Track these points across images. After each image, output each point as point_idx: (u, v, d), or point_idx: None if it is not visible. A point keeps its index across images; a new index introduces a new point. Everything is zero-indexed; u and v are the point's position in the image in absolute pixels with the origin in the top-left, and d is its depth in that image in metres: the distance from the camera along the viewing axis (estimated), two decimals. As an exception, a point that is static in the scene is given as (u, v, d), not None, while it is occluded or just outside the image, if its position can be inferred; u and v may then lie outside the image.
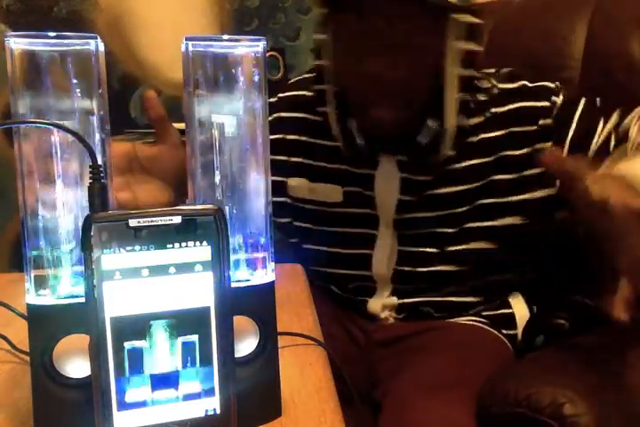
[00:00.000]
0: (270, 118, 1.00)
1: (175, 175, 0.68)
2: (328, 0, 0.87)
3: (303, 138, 1.02)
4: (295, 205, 1.03)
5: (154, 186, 0.69)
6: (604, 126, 0.90)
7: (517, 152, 0.92)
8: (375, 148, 0.95)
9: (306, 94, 1.03)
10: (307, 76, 1.06)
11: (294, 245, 1.07)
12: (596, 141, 0.90)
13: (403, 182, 0.96)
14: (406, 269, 0.98)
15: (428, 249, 0.97)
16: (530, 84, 0.95)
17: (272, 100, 1.03)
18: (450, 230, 0.95)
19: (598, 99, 0.94)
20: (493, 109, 0.94)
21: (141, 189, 0.68)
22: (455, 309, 1.01)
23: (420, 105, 0.89)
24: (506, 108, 0.94)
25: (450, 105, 0.88)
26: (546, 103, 0.93)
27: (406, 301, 1.01)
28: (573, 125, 0.91)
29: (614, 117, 0.90)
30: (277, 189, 1.02)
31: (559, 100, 0.93)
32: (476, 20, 0.86)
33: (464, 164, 0.94)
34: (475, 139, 0.94)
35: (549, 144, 0.91)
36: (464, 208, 0.95)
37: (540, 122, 0.92)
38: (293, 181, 1.02)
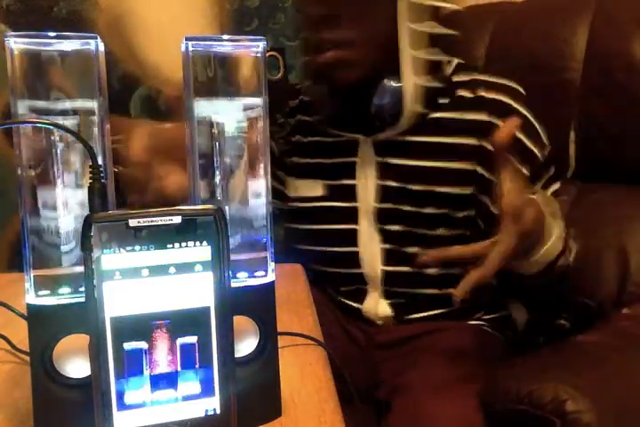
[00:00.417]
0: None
1: None
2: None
3: (291, 138, 1.04)
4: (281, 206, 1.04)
5: (179, 169, 0.70)
6: None
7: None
8: (345, 115, 0.95)
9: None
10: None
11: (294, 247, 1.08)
12: None
13: (380, 167, 0.96)
14: (394, 269, 0.98)
15: (413, 248, 0.96)
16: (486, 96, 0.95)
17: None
18: (433, 229, 0.95)
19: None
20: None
21: (171, 174, 0.69)
22: (455, 315, 1.01)
23: (368, 56, 0.89)
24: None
25: (406, 61, 0.88)
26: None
27: (398, 307, 1.00)
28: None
29: None
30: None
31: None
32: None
33: (433, 139, 0.94)
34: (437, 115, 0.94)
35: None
36: (446, 189, 0.94)
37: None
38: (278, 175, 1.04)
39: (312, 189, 1.00)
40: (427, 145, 0.95)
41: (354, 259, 0.99)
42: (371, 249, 0.98)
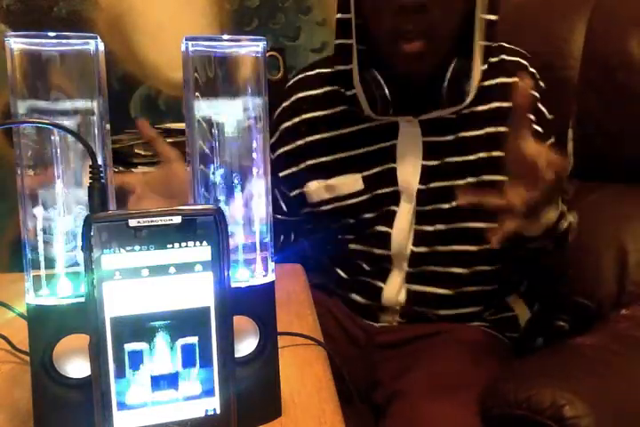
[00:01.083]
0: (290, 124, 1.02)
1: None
2: None
3: (316, 137, 1.01)
4: (315, 211, 1.02)
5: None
6: None
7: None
8: (399, 99, 0.93)
9: (311, 94, 1.02)
10: (306, 74, 1.06)
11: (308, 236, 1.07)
12: None
13: (426, 147, 0.95)
14: (422, 249, 0.97)
15: (442, 226, 0.96)
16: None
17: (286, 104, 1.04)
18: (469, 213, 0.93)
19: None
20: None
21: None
22: (460, 316, 1.01)
23: (446, 46, 0.90)
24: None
25: (478, 50, 0.90)
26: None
27: (416, 288, 0.99)
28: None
29: None
30: (300, 201, 1.03)
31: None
32: None
33: (483, 129, 0.94)
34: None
35: None
36: (485, 174, 0.94)
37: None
38: (310, 187, 1.01)
39: (351, 184, 0.99)
40: (476, 116, 0.95)
41: (385, 239, 0.98)
42: (403, 228, 0.97)
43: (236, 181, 0.50)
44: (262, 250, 0.51)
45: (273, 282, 0.51)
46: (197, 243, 0.44)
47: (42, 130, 0.45)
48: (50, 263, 0.45)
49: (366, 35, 0.92)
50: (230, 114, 0.50)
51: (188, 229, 0.43)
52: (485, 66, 0.93)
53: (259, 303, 0.50)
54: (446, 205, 0.95)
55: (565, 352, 0.85)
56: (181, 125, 1.87)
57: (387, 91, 0.91)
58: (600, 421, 0.69)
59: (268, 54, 0.50)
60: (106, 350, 0.42)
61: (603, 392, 0.74)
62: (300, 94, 1.03)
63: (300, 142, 1.01)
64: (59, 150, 0.46)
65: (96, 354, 0.42)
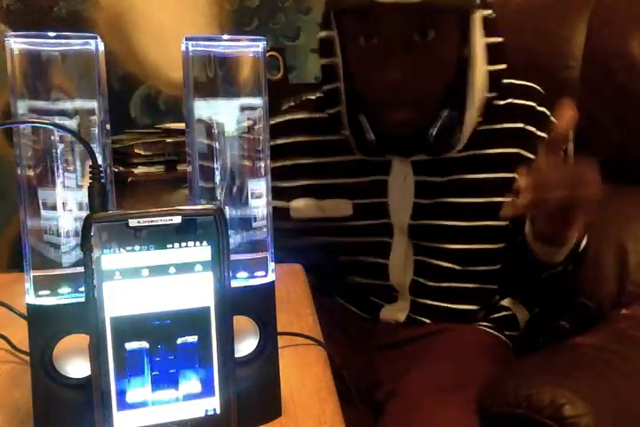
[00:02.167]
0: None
1: None
2: (339, 22, 0.89)
3: (306, 160, 1.01)
4: (301, 227, 1.02)
5: None
6: None
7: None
8: (386, 144, 0.94)
9: (304, 117, 1.03)
10: (301, 100, 1.06)
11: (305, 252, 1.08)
12: None
13: (417, 186, 0.96)
14: (422, 280, 0.99)
15: (444, 263, 0.97)
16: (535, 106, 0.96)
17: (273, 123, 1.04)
18: (465, 242, 0.95)
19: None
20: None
21: None
22: (460, 317, 1.01)
23: (436, 105, 0.90)
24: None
25: (473, 102, 0.89)
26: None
27: (418, 308, 1.00)
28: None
29: None
30: (281, 214, 1.03)
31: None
32: (493, 13, 0.88)
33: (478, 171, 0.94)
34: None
35: None
36: (479, 209, 0.94)
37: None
38: (299, 203, 1.01)
39: (341, 208, 0.99)
40: (469, 161, 0.95)
41: (383, 270, 1.00)
42: (400, 259, 0.99)
43: (236, 181, 0.50)
44: (262, 250, 0.51)
45: (273, 282, 0.51)
46: (197, 243, 0.44)
47: (42, 130, 0.45)
48: (50, 263, 0.45)
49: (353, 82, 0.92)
50: (230, 114, 0.50)
51: (188, 229, 0.43)
52: (484, 111, 0.92)
53: (259, 303, 0.50)
54: (440, 244, 0.96)
55: (565, 352, 0.85)
56: (181, 125, 1.88)
57: (373, 136, 0.91)
58: (600, 420, 0.69)
59: (268, 54, 0.50)
60: (106, 350, 0.42)
61: (602, 391, 0.74)
62: (289, 117, 1.03)
63: (289, 162, 1.02)
64: (59, 150, 0.46)
65: (96, 354, 0.42)
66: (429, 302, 1.00)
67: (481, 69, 0.88)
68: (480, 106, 0.90)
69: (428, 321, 1.00)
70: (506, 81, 0.95)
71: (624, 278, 1.03)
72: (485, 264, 0.98)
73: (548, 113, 0.96)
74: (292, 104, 1.07)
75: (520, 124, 0.95)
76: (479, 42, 0.87)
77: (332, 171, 1.00)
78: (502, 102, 0.96)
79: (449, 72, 0.89)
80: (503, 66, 0.90)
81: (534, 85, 0.98)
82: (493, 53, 0.89)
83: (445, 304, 1.00)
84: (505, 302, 1.04)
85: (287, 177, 1.01)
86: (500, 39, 0.89)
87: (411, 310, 1.00)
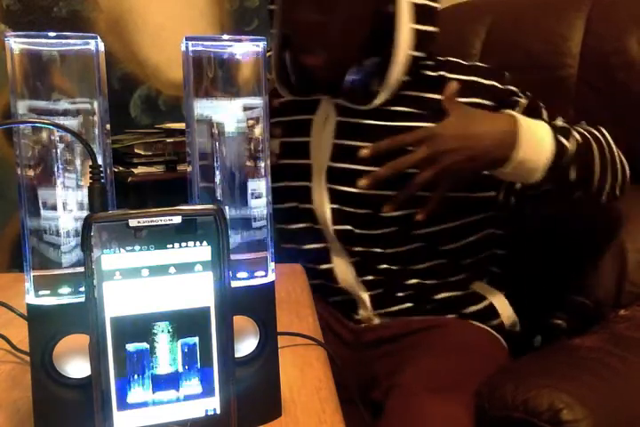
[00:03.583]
0: None
1: None
2: None
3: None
4: None
5: None
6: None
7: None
8: (308, 84, 0.97)
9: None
10: None
11: None
12: None
13: (339, 126, 0.96)
14: (348, 227, 0.98)
15: (362, 210, 0.96)
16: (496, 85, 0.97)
17: None
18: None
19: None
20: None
21: None
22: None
23: (354, 53, 0.92)
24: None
25: (403, 36, 0.89)
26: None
27: (359, 267, 1.00)
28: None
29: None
30: None
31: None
32: None
33: (398, 108, 0.95)
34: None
35: None
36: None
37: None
38: None
39: (271, 147, 1.01)
40: (392, 112, 0.95)
41: (311, 215, 1.00)
42: (322, 207, 0.99)
43: (235, 181, 0.50)
44: (262, 250, 0.51)
45: (273, 282, 0.51)
46: (197, 243, 0.44)
47: (42, 130, 0.45)
48: (50, 263, 0.45)
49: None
50: (230, 114, 0.50)
51: (188, 229, 0.43)
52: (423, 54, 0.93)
53: (259, 303, 0.50)
54: (354, 189, 0.95)
55: (563, 354, 0.85)
56: (181, 125, 1.87)
57: (294, 77, 0.96)
58: (598, 424, 0.69)
59: (267, 54, 0.50)
60: (106, 350, 0.42)
61: (601, 395, 0.74)
62: None
63: None
64: (59, 150, 0.46)
65: (96, 354, 0.42)
66: (359, 249, 0.99)
67: (406, 26, 0.89)
68: (405, 62, 0.91)
69: (377, 266, 0.99)
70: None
71: (623, 278, 1.03)
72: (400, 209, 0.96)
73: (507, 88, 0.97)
74: None
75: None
76: (404, 1, 0.89)
77: (274, 113, 1.02)
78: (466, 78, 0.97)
79: (366, 22, 0.90)
80: (432, 28, 0.92)
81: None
82: (420, 14, 0.90)
83: (375, 249, 0.98)
84: (476, 288, 1.03)
85: None
86: (428, 2, 0.91)
87: (351, 262, 0.99)
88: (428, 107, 0.95)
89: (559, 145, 0.87)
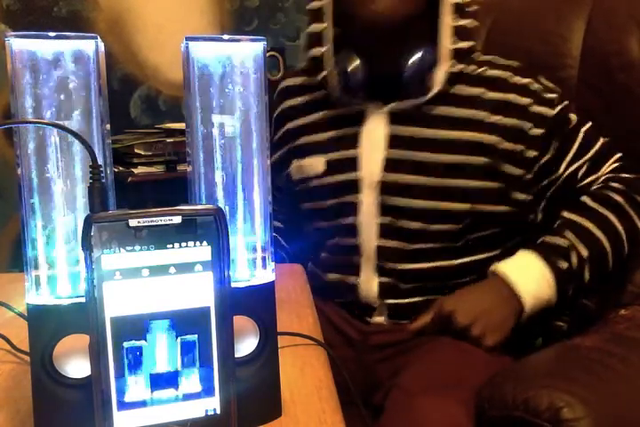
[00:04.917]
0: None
1: None
2: None
3: (297, 122, 1.05)
4: (295, 190, 1.05)
5: None
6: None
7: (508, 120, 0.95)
8: (368, 82, 0.95)
9: (288, 84, 1.09)
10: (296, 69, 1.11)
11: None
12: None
13: (391, 138, 0.95)
14: (390, 243, 0.97)
15: (412, 224, 0.96)
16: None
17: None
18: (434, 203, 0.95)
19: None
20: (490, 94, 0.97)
21: None
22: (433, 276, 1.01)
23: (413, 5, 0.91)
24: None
25: (445, 30, 0.91)
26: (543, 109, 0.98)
27: (386, 287, 1.00)
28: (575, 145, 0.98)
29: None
30: (287, 185, 1.07)
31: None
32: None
33: (454, 113, 0.95)
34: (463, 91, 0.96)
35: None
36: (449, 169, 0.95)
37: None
38: (292, 166, 1.05)
39: (315, 166, 1.00)
40: (443, 117, 0.95)
41: (352, 231, 0.99)
42: (369, 219, 0.98)
43: (236, 181, 0.50)
44: (262, 250, 0.51)
45: (273, 282, 0.51)
46: (197, 243, 0.44)
47: (42, 130, 0.45)
48: (50, 263, 0.45)
49: (340, 18, 0.94)
50: (230, 114, 0.50)
51: (188, 229, 0.43)
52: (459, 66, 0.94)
53: (259, 303, 0.50)
54: (408, 201, 0.95)
55: (564, 353, 0.85)
56: (181, 125, 1.87)
57: (358, 62, 0.93)
58: (598, 423, 0.69)
59: (268, 54, 0.50)
60: (106, 350, 0.42)
61: (601, 394, 0.74)
62: (284, 83, 1.11)
63: (283, 129, 1.07)
64: (59, 150, 0.46)
65: (96, 354, 0.42)
66: (398, 265, 0.98)
67: (448, 22, 0.91)
68: (449, 54, 0.92)
69: (404, 286, 0.99)
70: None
71: (623, 278, 1.03)
72: (450, 223, 0.97)
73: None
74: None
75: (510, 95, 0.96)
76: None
77: (309, 130, 1.02)
78: (480, 70, 0.98)
79: None
80: (474, 22, 0.96)
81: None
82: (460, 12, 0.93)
83: (414, 265, 0.98)
84: None
85: (285, 143, 1.06)
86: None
87: (379, 282, 0.99)
88: (481, 106, 0.95)
89: (557, 270, 0.92)
